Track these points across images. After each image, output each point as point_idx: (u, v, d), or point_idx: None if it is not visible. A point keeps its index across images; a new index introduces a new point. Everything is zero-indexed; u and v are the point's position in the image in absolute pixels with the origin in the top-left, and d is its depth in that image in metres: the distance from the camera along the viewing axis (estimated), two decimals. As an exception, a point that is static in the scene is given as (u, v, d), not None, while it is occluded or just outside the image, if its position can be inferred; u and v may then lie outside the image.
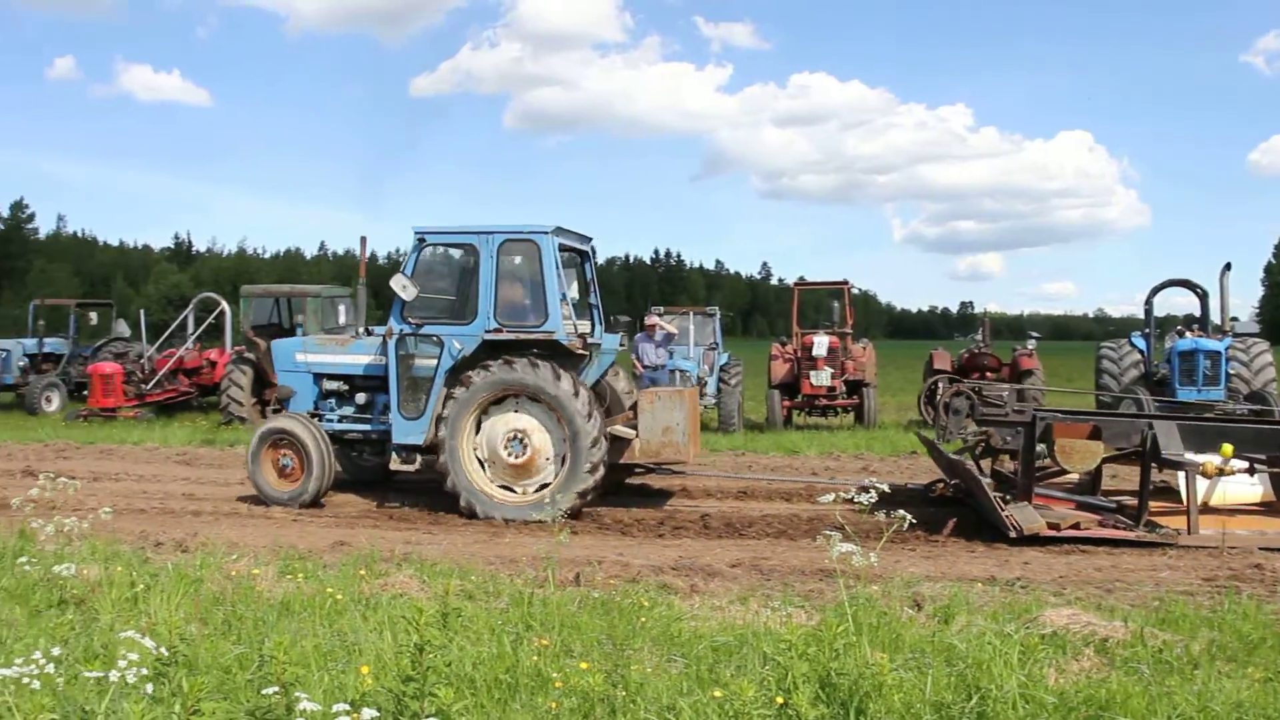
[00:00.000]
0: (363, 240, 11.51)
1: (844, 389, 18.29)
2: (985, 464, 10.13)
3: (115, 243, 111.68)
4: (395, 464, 10.35)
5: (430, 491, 10.63)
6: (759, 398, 20.14)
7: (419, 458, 10.25)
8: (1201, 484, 9.07)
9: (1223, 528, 8.51)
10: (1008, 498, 9.11)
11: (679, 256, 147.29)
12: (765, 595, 6.56)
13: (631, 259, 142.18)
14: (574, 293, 10.76)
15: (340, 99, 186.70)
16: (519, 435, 9.76)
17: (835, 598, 6.02)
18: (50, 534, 6.53)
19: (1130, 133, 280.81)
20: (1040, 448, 9.24)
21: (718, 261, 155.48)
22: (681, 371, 17.83)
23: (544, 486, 9.74)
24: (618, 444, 10.33)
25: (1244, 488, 9.44)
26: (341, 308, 18.97)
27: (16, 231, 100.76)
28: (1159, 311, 17.91)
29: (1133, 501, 9.21)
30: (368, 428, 10.69)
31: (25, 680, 3.03)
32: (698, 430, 11.03)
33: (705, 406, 18.93)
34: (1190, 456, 8.88)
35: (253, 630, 5.17)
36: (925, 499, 10.34)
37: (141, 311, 25.77)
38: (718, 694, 3.98)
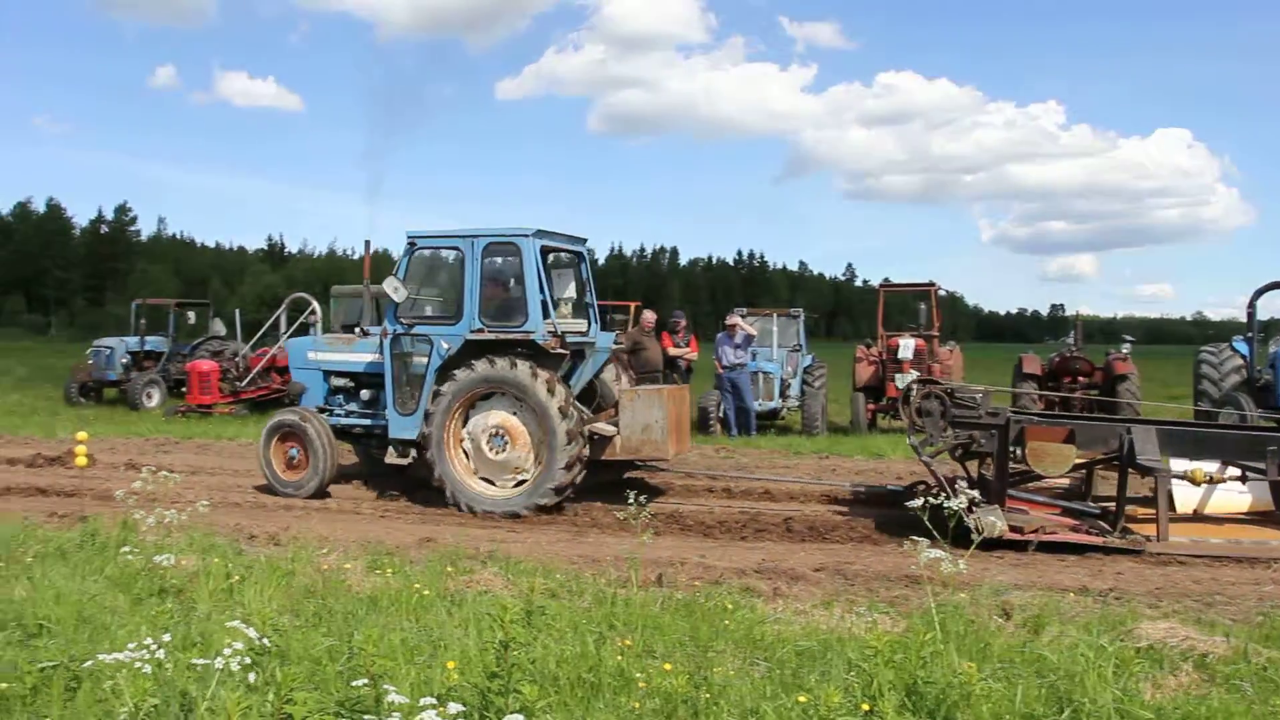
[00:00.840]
0: (367, 244, 12.23)
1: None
2: (972, 466, 9.89)
3: (212, 244, 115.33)
4: (391, 458, 10.77)
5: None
6: (843, 400, 19.93)
7: (413, 451, 10.62)
8: (1195, 492, 9.17)
9: (1195, 536, 8.53)
10: (979, 501, 8.55)
11: (762, 258, 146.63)
12: (849, 600, 6.49)
13: (714, 260, 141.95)
14: (571, 293, 11.15)
15: (428, 103, 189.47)
16: (500, 431, 10.10)
17: (921, 604, 5.93)
18: (151, 525, 6.75)
19: (1232, 130, 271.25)
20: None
21: (801, 263, 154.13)
22: (764, 373, 17.76)
23: (523, 481, 10.10)
24: (601, 441, 10.56)
25: (1234, 496, 9.36)
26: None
27: (120, 234, 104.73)
28: (1263, 314, 17.21)
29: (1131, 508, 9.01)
30: (370, 422, 11.11)
31: (137, 665, 3.13)
32: (682, 427, 11.10)
33: (788, 409, 18.81)
34: (1182, 464, 8.94)
35: (342, 623, 5.27)
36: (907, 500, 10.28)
37: (237, 311, 26.48)
38: (802, 699, 3.95)
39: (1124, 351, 18.16)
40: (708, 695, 4.07)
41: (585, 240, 11.49)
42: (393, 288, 10.36)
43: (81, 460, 12.31)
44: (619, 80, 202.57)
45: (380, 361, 10.81)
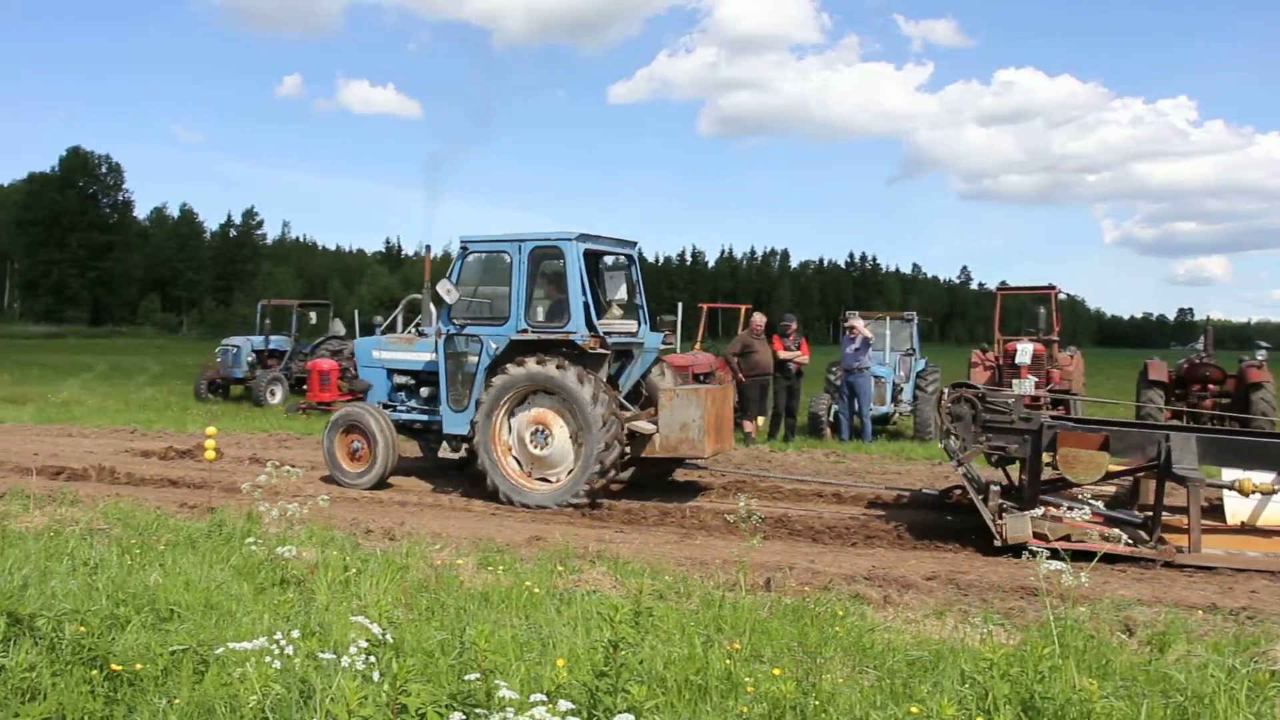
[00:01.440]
0: (427, 248, 12.61)
1: (1049, 399, 17.44)
2: (1012, 471, 9.87)
3: (333, 247, 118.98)
4: (444, 452, 11.35)
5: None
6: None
7: (464, 446, 11.04)
8: (1248, 504, 8.91)
9: (1233, 548, 8.30)
10: (1007, 506, 8.81)
11: (874, 260, 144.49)
12: (962, 611, 6.34)
13: (826, 263, 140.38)
14: (623, 295, 11.47)
15: (541, 108, 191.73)
16: (542, 428, 10.48)
17: (1038, 617, 5.76)
18: (274, 518, 6.98)
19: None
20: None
21: (915, 265, 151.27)
22: (876, 378, 17.48)
23: (563, 476, 10.50)
24: (641, 438, 10.87)
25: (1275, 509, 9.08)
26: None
27: (247, 237, 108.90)
28: None
29: (1180, 518, 8.71)
30: (429, 418, 11.61)
31: (267, 658, 3.25)
32: (722, 427, 11.31)
33: (900, 414, 18.48)
34: (1231, 474, 8.78)
35: (454, 617, 5.37)
36: (942, 505, 10.31)
37: (355, 311, 27.23)
38: (914, 710, 3.87)
39: (1259, 358, 17.28)
40: (816, 702, 4.03)
41: (635, 244, 11.78)
42: (445, 290, 10.75)
43: (210, 454, 12.81)
44: (731, 82, 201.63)
45: (437, 360, 11.26)
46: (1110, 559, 7.81)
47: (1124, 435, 9.09)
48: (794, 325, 17.15)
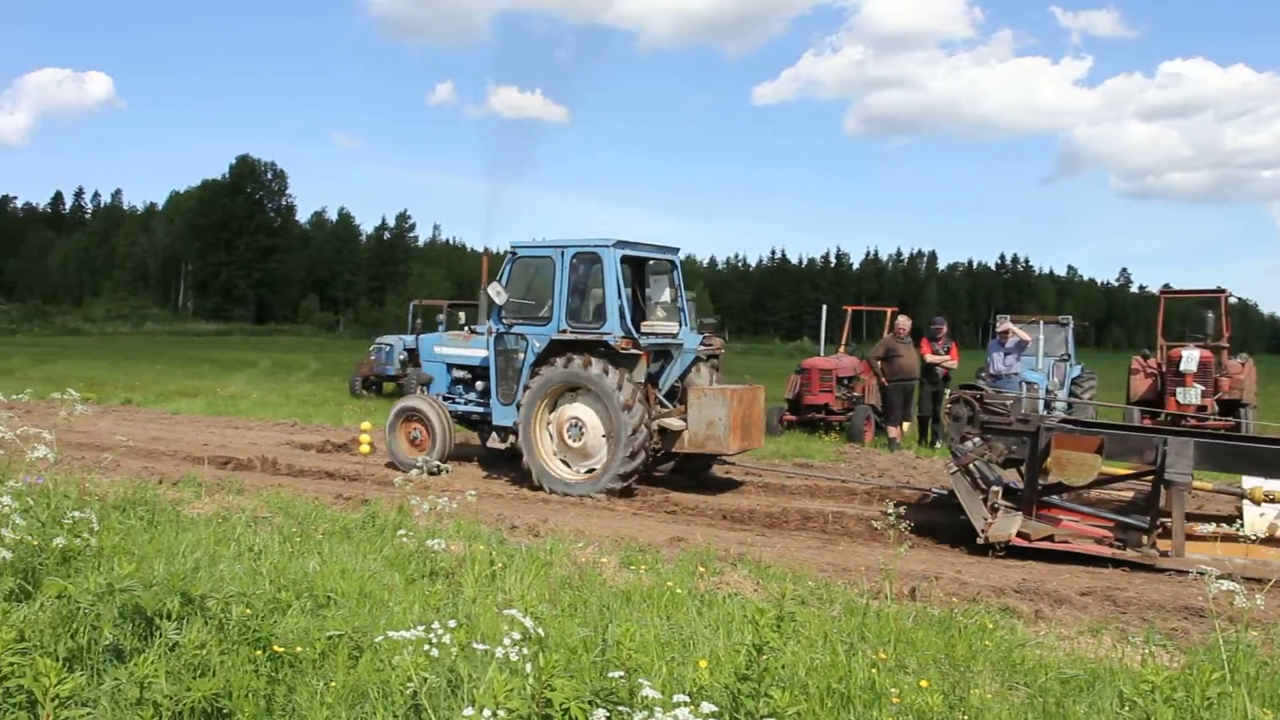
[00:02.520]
0: (485, 251, 13.33)
1: (1216, 409, 16.51)
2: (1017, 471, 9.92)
3: (481, 249, 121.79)
4: (493, 442, 12.20)
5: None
6: (1114, 415, 18.66)
7: (512, 437, 11.81)
8: (1269, 514, 8.76)
9: (1219, 555, 8.25)
10: (996, 506, 9.14)
11: (1027, 262, 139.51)
12: (1121, 629, 6.07)
13: (975, 265, 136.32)
14: (666, 298, 12.14)
15: (687, 109, 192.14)
16: (577, 422, 11.19)
17: (1204, 640, 5.48)
18: (424, 511, 7.20)
19: None
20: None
21: (1070, 268, 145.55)
22: (1028, 384, 16.88)
23: (596, 468, 11.15)
24: (671, 434, 11.42)
25: None
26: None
27: (400, 240, 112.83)
28: None
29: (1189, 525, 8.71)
30: (484, 410, 12.35)
31: (425, 646, 3.35)
32: (750, 426, 11.64)
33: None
34: (1254, 481, 8.75)
35: (597, 615, 5.43)
36: (950, 505, 9.98)
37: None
38: (1068, 730, 3.72)
39: None
40: (964, 717, 3.92)
41: (677, 250, 12.33)
42: (495, 292, 11.52)
43: (365, 448, 13.34)
44: (878, 81, 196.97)
45: (489, 357, 12.08)
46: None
47: (1123, 439, 9.13)
48: (944, 328, 16.66)
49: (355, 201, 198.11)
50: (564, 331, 11.20)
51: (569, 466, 11.35)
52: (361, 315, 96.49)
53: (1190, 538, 8.67)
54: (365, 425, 13.64)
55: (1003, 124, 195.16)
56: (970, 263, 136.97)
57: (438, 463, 9.33)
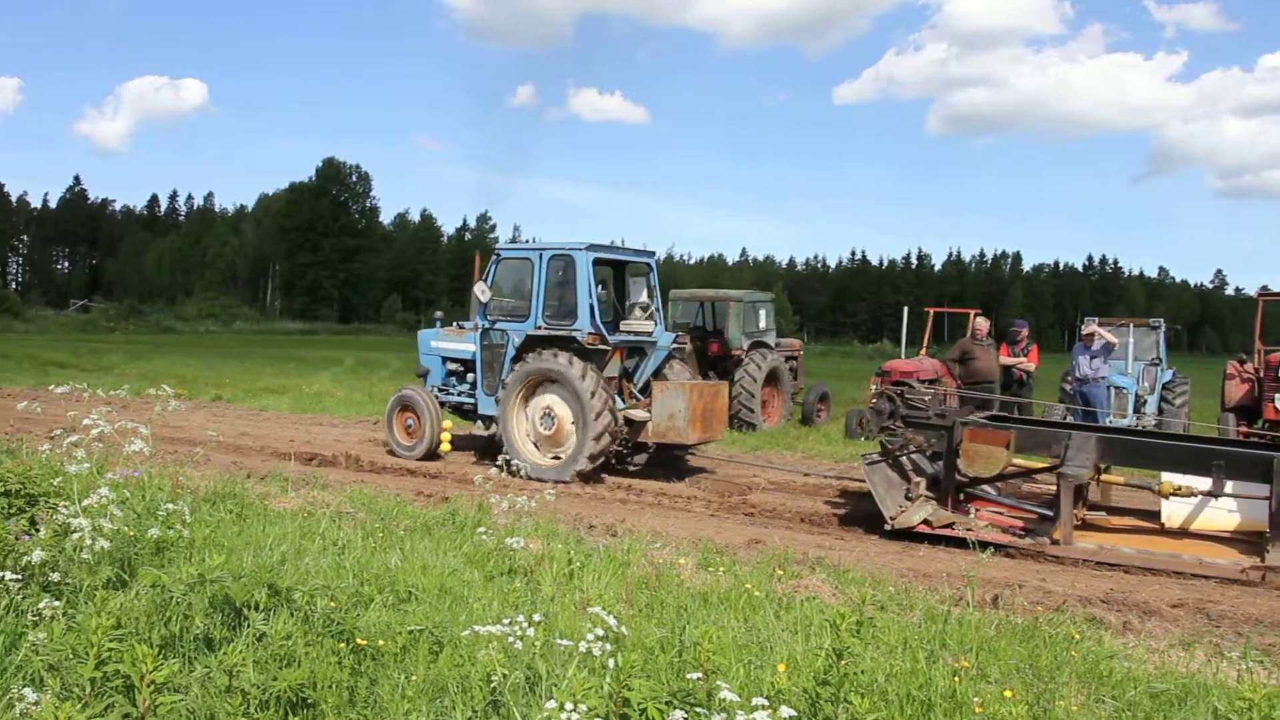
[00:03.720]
0: (476, 256, 13.96)
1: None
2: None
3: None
4: (479, 429, 13.07)
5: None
6: (1208, 419, 18.06)
7: (495, 425, 12.50)
8: (1185, 508, 9.31)
9: (1106, 544, 8.84)
10: (911, 495, 9.62)
11: (1115, 263, 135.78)
12: (1214, 643, 5.88)
13: (1061, 266, 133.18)
14: (644, 298, 12.85)
15: (766, 110, 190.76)
16: (549, 411, 12.00)
17: (1305, 656, 5.27)
18: (503, 509, 7.28)
19: None
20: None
21: (1161, 269, 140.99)
22: (1116, 388, 16.44)
23: (565, 454, 11.93)
24: (638, 424, 12.26)
25: (1223, 514, 9.23)
26: (762, 312, 19.43)
27: (481, 240, 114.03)
28: None
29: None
30: (474, 400, 13.18)
31: (509, 640, 3.39)
32: (711, 418, 12.36)
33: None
34: (1177, 478, 9.08)
35: (674, 616, 5.42)
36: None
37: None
38: (1159, 745, 3.61)
39: None
40: (1050, 728, 3.83)
41: (653, 253, 13.43)
42: (480, 290, 12.56)
43: (445, 446, 13.52)
44: (961, 79, 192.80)
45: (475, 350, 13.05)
46: None
47: (1032, 434, 9.62)
48: (1024, 332, 16.19)
49: (437, 203, 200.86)
50: (540, 328, 12.07)
51: (542, 452, 12.18)
52: (446, 315, 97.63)
53: (1107, 529, 9.53)
54: (447, 424, 13.83)
55: (1092, 122, 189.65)
56: (1056, 264, 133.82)
57: (518, 462, 9.51)
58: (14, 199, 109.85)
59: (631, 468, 12.99)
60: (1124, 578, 8.06)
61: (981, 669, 4.73)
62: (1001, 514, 9.91)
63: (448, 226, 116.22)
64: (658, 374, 12.68)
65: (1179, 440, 9.86)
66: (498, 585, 5.86)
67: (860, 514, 10.33)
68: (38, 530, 4.75)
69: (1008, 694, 4.06)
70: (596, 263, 12.45)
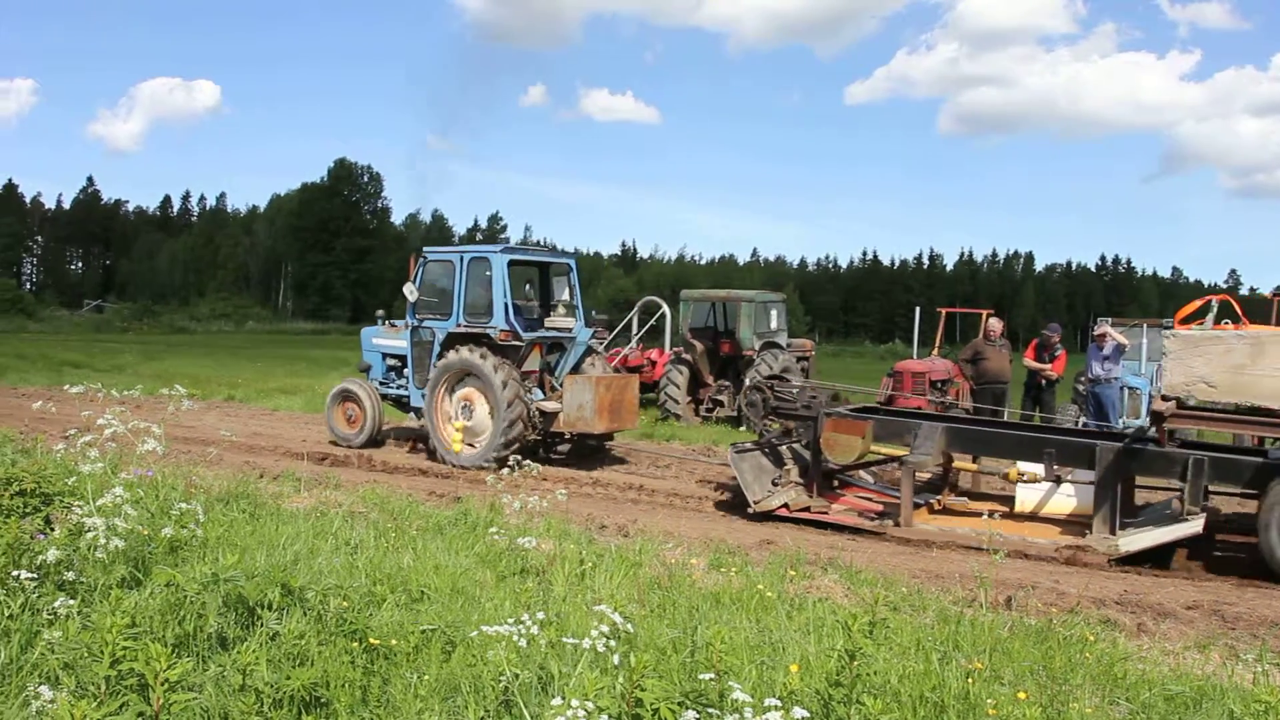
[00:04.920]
0: (412, 256, 14.41)
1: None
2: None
3: (571, 249, 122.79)
4: (413, 420, 13.91)
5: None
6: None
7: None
8: (1037, 493, 9.87)
9: (944, 526, 9.48)
10: (781, 481, 10.31)
11: (1128, 263, 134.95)
12: (1230, 645, 5.85)
13: (1074, 266, 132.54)
14: (565, 297, 13.74)
15: (777, 110, 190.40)
16: (467, 403, 12.90)
17: (1321, 658, 5.23)
18: (515, 509, 7.28)
19: None
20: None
21: (1174, 269, 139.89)
22: (1130, 389, 16.34)
23: (482, 442, 12.76)
24: (551, 416, 13.08)
25: (1062, 499, 9.78)
26: (774, 312, 19.41)
27: (491, 241, 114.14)
28: None
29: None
30: (409, 393, 13.96)
31: (516, 638, 3.39)
32: (620, 409, 13.09)
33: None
34: (1029, 467, 9.64)
35: (686, 616, 5.42)
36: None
37: (592, 312, 27.99)
38: (1174, 747, 3.59)
39: None
40: (1064, 730, 3.81)
41: (572, 254, 14.38)
42: (409, 291, 13.52)
43: (456, 445, 13.53)
44: (973, 78, 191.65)
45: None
46: None
47: (887, 424, 10.22)
48: (1057, 336, 15.74)
49: (448, 203, 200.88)
50: (460, 325, 12.97)
51: (465, 442, 12.96)
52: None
53: (964, 514, 10.12)
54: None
55: (1104, 121, 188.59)
56: (1069, 264, 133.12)
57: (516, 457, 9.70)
58: (28, 200, 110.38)
59: (555, 456, 13.85)
60: (1138, 579, 8.03)
61: (995, 671, 4.71)
62: (870, 499, 10.75)
63: (459, 227, 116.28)
64: (576, 368, 13.54)
65: (1016, 429, 10.73)
66: (510, 585, 5.86)
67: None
68: (53, 529, 4.77)
69: (1021, 696, 4.04)
70: (519, 264, 13.64)
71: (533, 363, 13.40)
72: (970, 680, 4.33)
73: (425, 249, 13.83)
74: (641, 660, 3.21)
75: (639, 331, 22.75)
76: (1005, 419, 13.85)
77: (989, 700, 4.05)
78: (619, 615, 3.44)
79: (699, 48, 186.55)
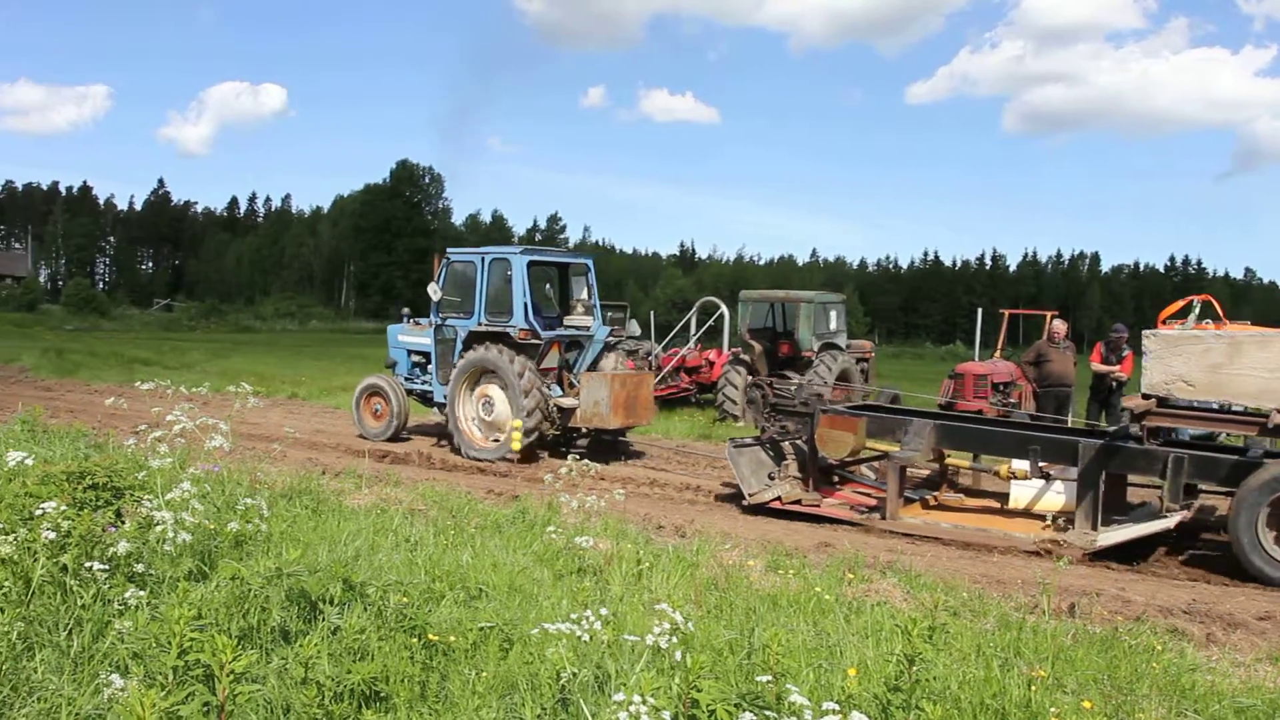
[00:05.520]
0: (435, 255, 14.74)
1: None
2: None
3: (629, 250, 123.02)
4: (437, 415, 14.23)
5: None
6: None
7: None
8: (1030, 490, 9.94)
9: (927, 519, 9.77)
10: (779, 475, 10.56)
11: (1199, 264, 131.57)
12: (1304, 657, 5.68)
13: (1141, 267, 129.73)
14: (584, 296, 14.14)
15: (838, 109, 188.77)
16: (487, 399, 13.31)
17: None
18: (573, 508, 7.31)
19: None
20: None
21: (1247, 269, 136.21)
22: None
23: (501, 437, 13.12)
24: (569, 411, 13.43)
25: (1054, 496, 9.79)
26: (833, 313, 19.25)
27: (551, 240, 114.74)
28: None
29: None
30: (434, 389, 14.39)
31: (577, 634, 3.40)
32: (635, 406, 13.49)
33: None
34: (1023, 464, 9.71)
35: (743, 618, 5.41)
36: None
37: (651, 313, 27.98)
38: (1244, 761, 3.50)
39: None
40: (1129, 741, 3.73)
41: (589, 256, 14.63)
42: (432, 290, 13.89)
43: (516, 444, 13.63)
44: (1038, 76, 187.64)
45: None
46: None
47: (880, 421, 10.44)
48: (1124, 336, 15.42)
49: (509, 204, 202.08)
50: (481, 324, 13.32)
51: (483, 436, 13.39)
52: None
53: (957, 509, 10.34)
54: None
55: (1175, 118, 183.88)
56: (1136, 264, 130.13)
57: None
58: (102, 201, 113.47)
59: (576, 451, 13.90)
60: (1206, 588, 7.84)
61: (1058, 679, 4.64)
62: (867, 494, 10.91)
63: (519, 227, 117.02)
64: (594, 366, 13.97)
65: (1005, 427, 11.01)
66: (567, 584, 5.89)
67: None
68: (123, 522, 4.89)
69: (1086, 705, 3.97)
70: (539, 265, 14.01)
71: (551, 360, 13.79)
72: (1032, 688, 4.26)
73: (449, 250, 14.29)
74: (698, 661, 3.20)
75: (697, 332, 22.69)
76: (1069, 424, 13.58)
77: (1051, 709, 3.99)
78: (679, 614, 3.44)
79: (760, 47, 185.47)
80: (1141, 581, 7.95)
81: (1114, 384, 14.90)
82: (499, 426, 13.22)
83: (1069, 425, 12.49)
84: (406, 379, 14.84)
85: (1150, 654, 5.15)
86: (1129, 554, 8.72)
